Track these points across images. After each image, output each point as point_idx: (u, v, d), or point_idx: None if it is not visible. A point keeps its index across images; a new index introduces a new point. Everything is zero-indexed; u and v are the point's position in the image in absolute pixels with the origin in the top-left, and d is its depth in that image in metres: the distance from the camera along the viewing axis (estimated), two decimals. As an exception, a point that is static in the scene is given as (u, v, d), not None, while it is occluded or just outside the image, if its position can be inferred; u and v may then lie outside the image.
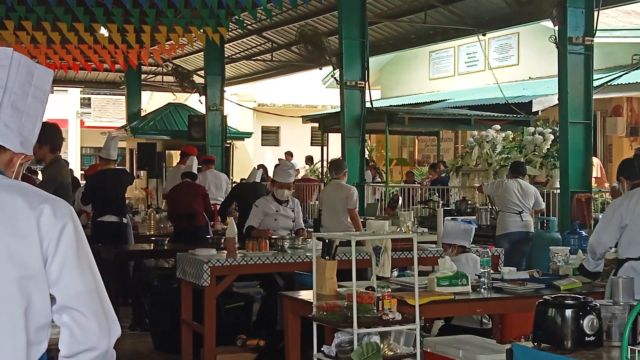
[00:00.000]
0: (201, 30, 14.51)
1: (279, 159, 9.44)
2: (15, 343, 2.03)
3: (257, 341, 7.20)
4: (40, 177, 9.51)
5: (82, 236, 2.13)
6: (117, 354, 6.63)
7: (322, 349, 4.90)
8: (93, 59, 16.76)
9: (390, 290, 4.89)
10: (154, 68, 23.24)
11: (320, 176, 19.48)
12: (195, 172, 10.96)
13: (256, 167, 11.23)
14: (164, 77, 23.33)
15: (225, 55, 19.50)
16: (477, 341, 5.67)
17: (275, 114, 25.04)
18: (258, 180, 10.79)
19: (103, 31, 14.95)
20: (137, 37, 14.53)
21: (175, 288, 7.79)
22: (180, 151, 12.22)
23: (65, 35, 14.27)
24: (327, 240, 5.45)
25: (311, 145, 26.48)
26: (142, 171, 20.92)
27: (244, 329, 7.62)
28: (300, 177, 21.10)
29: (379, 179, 17.80)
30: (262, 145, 28.46)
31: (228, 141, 20.39)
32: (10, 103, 2.16)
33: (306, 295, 5.51)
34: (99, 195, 9.52)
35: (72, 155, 34.14)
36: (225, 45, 18.95)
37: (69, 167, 12.89)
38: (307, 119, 19.73)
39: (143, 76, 23.22)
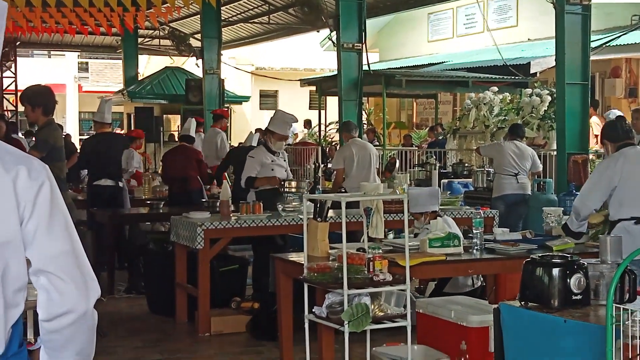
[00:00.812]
0: (198, -8, 14.39)
1: (277, 110, 9.32)
2: None
3: (252, 303, 7.22)
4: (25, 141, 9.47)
5: (58, 197, 2.08)
6: (113, 317, 6.61)
7: (313, 310, 4.91)
8: (89, 22, 16.63)
9: (381, 251, 4.87)
10: (151, 32, 23.09)
11: (318, 139, 19.42)
12: (193, 135, 10.90)
13: (253, 132, 11.14)
14: (161, 40, 23.18)
15: (222, 18, 19.36)
16: (469, 302, 5.68)
17: (274, 78, 24.91)
18: (254, 144, 10.73)
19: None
20: (132, 0, 14.41)
21: (170, 251, 7.79)
22: (212, 114, 12.05)
23: (60, -1, 14.17)
24: (318, 202, 5.43)
25: (310, 109, 26.38)
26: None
27: (239, 292, 7.64)
28: (298, 141, 21.06)
29: (377, 142, 17.74)
30: (260, 109, 28.35)
31: (226, 105, 20.30)
32: None
33: (298, 257, 5.51)
34: (93, 159, 9.51)
35: (70, 120, 34.04)
36: (222, 8, 18.81)
37: (67, 132, 12.91)
38: (304, 82, 19.64)
39: (140, 40, 23.07)
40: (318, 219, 5.43)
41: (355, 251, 4.93)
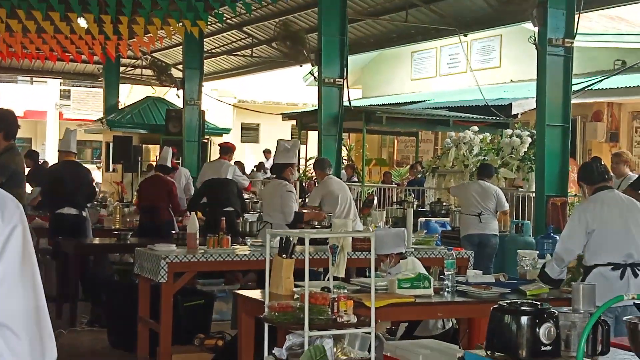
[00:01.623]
0: (180, 24, 14.26)
1: (279, 140, 9.07)
2: None
3: (216, 341, 6.96)
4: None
5: (29, 243, 1.80)
6: (73, 351, 6.31)
7: (272, 351, 4.67)
8: (70, 49, 16.50)
9: (346, 291, 4.66)
10: (133, 61, 22.95)
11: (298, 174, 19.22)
12: (169, 165, 10.69)
13: (229, 163, 10.92)
14: (143, 70, 23.04)
15: (205, 50, 19.26)
16: (439, 346, 5.45)
17: (255, 111, 24.79)
18: (230, 176, 10.52)
19: (81, 21, 14.67)
20: (114, 29, 14.27)
21: (134, 284, 7.53)
22: (220, 147, 11.79)
23: (40, 25, 14.00)
24: (284, 238, 5.22)
25: (301, 143, 26.24)
26: (116, 165, 20.69)
27: (204, 328, 7.37)
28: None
29: (356, 179, 17.58)
30: (241, 142, 28.19)
31: (206, 137, 20.13)
32: None
33: (260, 294, 5.27)
34: (58, 188, 9.30)
35: (49, 147, 33.74)
36: (205, 40, 18.71)
37: (45, 159, 12.69)
38: (285, 116, 19.52)
39: (122, 69, 22.95)
40: (283, 256, 5.22)
41: (319, 290, 4.71)
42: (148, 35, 15.39)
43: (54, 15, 13.45)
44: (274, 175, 8.61)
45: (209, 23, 17.21)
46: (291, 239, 5.18)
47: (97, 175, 20.94)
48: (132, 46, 17.37)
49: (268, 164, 23.15)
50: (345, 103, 14.35)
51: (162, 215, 10.06)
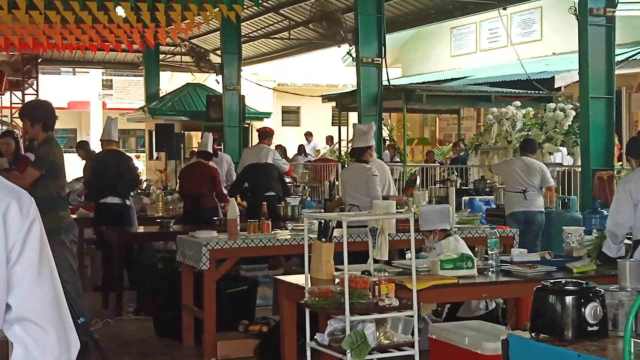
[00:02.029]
0: (216, 8, 14.22)
1: (354, 124, 9.06)
2: None
3: (260, 327, 6.94)
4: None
5: (45, 237, 1.83)
6: (120, 340, 6.34)
7: (315, 337, 4.63)
8: (109, 38, 16.53)
9: (387, 274, 4.59)
10: (172, 48, 23.00)
11: (339, 156, 19.16)
12: (210, 151, 10.66)
13: (269, 148, 10.86)
14: (182, 57, 23.08)
15: (243, 34, 19.20)
16: (485, 327, 5.37)
17: (295, 94, 24.72)
18: (270, 161, 10.48)
19: (119, 10, 14.70)
20: (152, 16, 14.29)
21: (178, 272, 7.54)
22: (258, 132, 11.76)
23: (78, 15, 14.06)
24: (323, 222, 5.16)
25: (332, 125, 26.16)
26: (160, 153, 20.79)
27: (248, 314, 7.36)
28: (318, 157, 20.83)
29: (398, 159, 17.44)
30: (282, 125, 28.16)
31: (247, 122, 20.11)
32: None
33: (301, 279, 5.22)
34: (101, 178, 9.33)
35: (94, 137, 34.07)
36: (242, 24, 18.65)
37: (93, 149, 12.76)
38: (325, 98, 19.42)
39: (161, 56, 22.98)
40: (322, 239, 5.16)
41: (359, 274, 4.65)
42: (185, 21, 15.39)
43: (91, 5, 13.48)
44: (353, 159, 8.60)
45: (245, 7, 17.18)
46: (330, 222, 5.12)
47: (139, 164, 21.08)
48: (170, 33, 17.40)
49: (309, 147, 23.11)
50: (385, 82, 14.21)
51: (206, 202, 10.03)
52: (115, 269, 8.76)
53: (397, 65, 23.15)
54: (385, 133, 20.20)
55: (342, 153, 19.59)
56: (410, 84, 19.22)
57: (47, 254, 1.83)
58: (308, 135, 24.13)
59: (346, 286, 4.29)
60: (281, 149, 19.93)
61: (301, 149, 21.81)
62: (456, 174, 13.74)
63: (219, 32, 19.43)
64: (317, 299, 4.55)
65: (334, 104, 20.38)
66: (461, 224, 7.80)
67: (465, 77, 19.19)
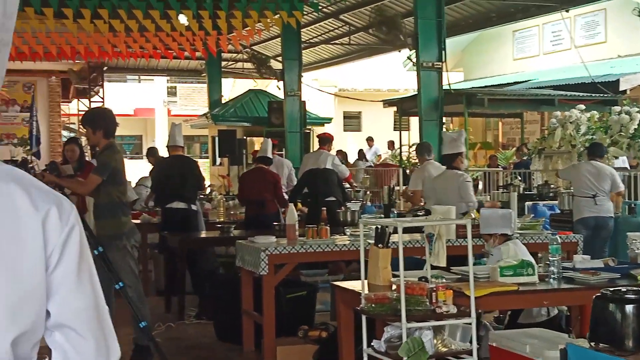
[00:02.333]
0: (276, 15, 14.32)
1: (444, 132, 9.14)
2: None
3: (319, 332, 6.94)
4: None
5: (85, 243, 1.79)
6: (181, 344, 6.40)
7: (372, 343, 4.60)
8: (172, 46, 16.76)
9: (444, 280, 4.54)
10: (234, 55, 23.22)
11: (400, 161, 19.09)
12: (270, 156, 10.72)
13: (328, 153, 10.87)
14: (244, 64, 23.27)
15: (303, 40, 19.29)
16: (547, 335, 5.28)
17: (357, 99, 24.71)
18: (329, 166, 10.49)
19: (181, 18, 14.89)
20: (213, 24, 14.44)
21: (239, 277, 7.59)
22: (318, 138, 11.82)
23: (142, 23, 14.29)
24: (379, 227, 5.13)
25: (394, 129, 26.06)
26: (223, 158, 21.01)
27: (308, 319, 7.36)
28: (380, 162, 20.79)
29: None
30: (343, 130, 28.17)
31: (308, 127, 20.18)
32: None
33: (358, 285, 5.20)
34: (166, 183, 9.44)
35: (159, 143, 34.57)
36: (302, 30, 18.74)
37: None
38: (386, 103, 19.38)
39: (223, 63, 23.21)
40: (379, 245, 5.13)
41: (416, 280, 4.61)
42: (247, 28, 15.52)
43: (154, 13, 13.69)
44: (445, 166, 8.63)
45: (305, 13, 17.25)
46: (387, 228, 5.09)
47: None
48: (232, 40, 17.59)
49: (370, 153, 23.07)
50: (445, 87, 14.12)
51: (268, 207, 10.07)
52: (177, 274, 8.86)
53: (458, 70, 22.97)
54: (447, 138, 20.04)
55: (404, 158, 19.52)
56: (472, 88, 19.06)
57: (87, 261, 1.80)
58: (369, 140, 24.08)
59: (402, 292, 4.26)
60: (342, 155, 19.96)
61: (361, 154, 21.78)
62: (519, 178, 13.55)
63: (279, 38, 19.56)
64: (373, 305, 4.53)
65: (395, 108, 20.34)
66: (523, 230, 7.68)
67: (528, 80, 18.94)
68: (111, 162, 6.64)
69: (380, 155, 22.99)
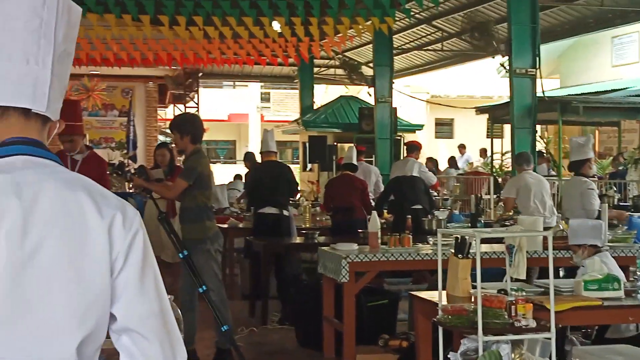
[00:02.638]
0: (368, 22, 14.31)
1: (571, 138, 9.15)
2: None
3: (400, 342, 6.87)
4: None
5: (149, 248, 1.84)
6: (262, 349, 6.46)
7: (448, 355, 4.52)
8: (266, 52, 16.93)
9: (524, 293, 4.42)
10: (326, 61, 23.30)
11: (492, 169, 18.78)
12: (355, 163, 10.72)
13: (414, 160, 10.77)
14: (336, 70, 23.32)
15: (395, 46, 19.21)
16: (634, 352, 5.11)
17: (449, 106, 24.45)
18: (415, 173, 10.40)
19: (275, 25, 15.04)
20: (305, 30, 14.54)
21: (321, 283, 7.58)
22: (406, 145, 11.83)
23: (235, 30, 14.49)
24: (459, 237, 5.05)
25: (487, 137, 25.69)
26: (313, 165, 21.09)
27: (389, 328, 7.30)
28: (470, 170, 20.51)
29: (553, 172, 16.90)
30: (435, 137, 27.92)
31: (399, 134, 20.08)
32: (56, 60, 1.78)
33: (436, 295, 5.12)
34: (259, 188, 9.52)
35: (252, 149, 34.97)
36: (394, 36, 18.67)
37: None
38: (479, 110, 19.12)
39: (316, 69, 23.31)
40: (459, 256, 5.05)
41: (495, 293, 4.51)
42: (339, 35, 15.55)
43: (247, 20, 13.87)
44: (572, 172, 8.59)
45: (397, 19, 17.17)
46: (467, 238, 5.00)
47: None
48: (324, 47, 17.66)
49: (462, 160, 22.79)
50: (539, 94, 13.84)
51: (356, 214, 10.06)
52: (261, 279, 8.92)
53: (554, 76, 22.49)
54: (541, 145, 19.64)
55: (496, 166, 19.20)
56: (567, 95, 18.60)
57: (152, 265, 1.84)
58: (461, 148, 23.80)
59: (479, 305, 4.18)
60: (432, 162, 19.78)
61: (452, 161, 21.53)
62: (614, 189, 13.16)
63: (371, 45, 19.54)
64: (450, 317, 4.45)
65: (487, 115, 20.04)
66: (614, 242, 7.45)
67: (626, 87, 18.37)
68: (197, 167, 6.74)
69: (472, 163, 22.68)
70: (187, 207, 6.81)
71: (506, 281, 4.71)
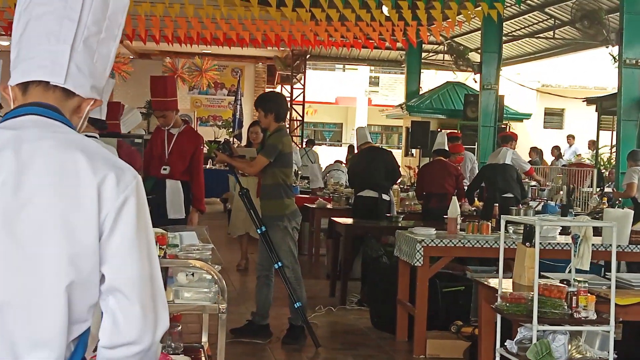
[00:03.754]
0: (477, 7, 14.10)
1: None
2: (58, 321, 1.83)
3: (473, 329, 6.79)
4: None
5: (145, 214, 1.89)
6: (336, 328, 6.55)
7: (505, 343, 4.46)
8: (373, 36, 16.90)
9: (587, 285, 4.30)
10: (434, 46, 23.08)
11: (596, 161, 18.22)
12: (447, 148, 10.65)
13: (507, 148, 10.57)
14: (445, 55, 23.06)
15: (505, 33, 18.83)
16: None
17: (560, 95, 23.82)
18: (508, 161, 10.21)
19: (384, 9, 15.01)
20: (413, 14, 14.44)
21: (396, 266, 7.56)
22: (500, 136, 11.74)
23: (342, 12, 14.52)
24: (528, 225, 4.94)
25: (600, 129, 24.91)
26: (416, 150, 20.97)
27: (463, 315, 7.22)
28: (575, 161, 19.97)
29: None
30: (544, 127, 27.24)
31: (505, 122, 19.71)
32: (83, 40, 1.89)
33: (504, 283, 5.03)
34: (358, 172, 9.63)
35: (359, 133, 35.00)
36: (505, 23, 18.30)
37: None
38: (587, 100, 18.57)
39: (424, 55, 23.12)
40: (527, 244, 4.95)
41: (558, 283, 4.41)
42: (447, 20, 15.38)
43: (353, 2, 13.87)
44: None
45: (507, 5, 16.84)
46: (534, 226, 4.88)
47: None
48: (432, 31, 17.49)
49: (569, 151, 22.19)
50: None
51: (449, 200, 9.99)
52: (342, 260, 8.97)
53: (672, 69, 21.52)
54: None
55: (604, 158, 18.63)
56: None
57: (146, 232, 1.88)
58: (570, 138, 23.18)
59: (535, 293, 4.10)
60: (536, 152, 19.35)
61: (555, 151, 20.96)
62: None
63: (479, 31, 19.23)
64: (508, 304, 4.38)
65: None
66: None
67: None
68: (278, 145, 6.83)
69: (579, 154, 22.07)
70: (266, 184, 6.91)
71: (569, 271, 4.58)
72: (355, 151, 10.48)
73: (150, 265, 1.89)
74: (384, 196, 9.54)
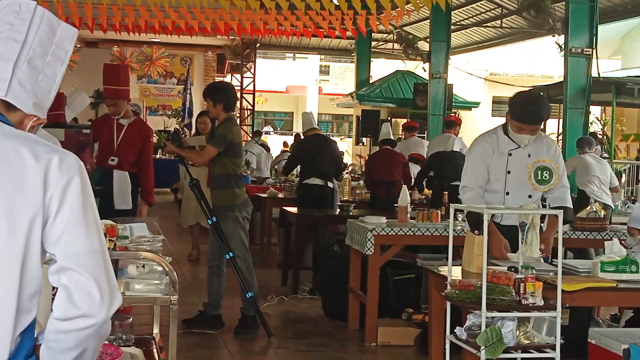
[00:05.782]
0: (426, -4, 14.16)
1: None
2: (5, 310, 1.88)
3: (423, 316, 6.86)
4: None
5: (89, 195, 1.98)
6: (288, 317, 6.55)
7: (454, 330, 4.51)
8: (323, 25, 16.88)
9: (534, 271, 4.37)
10: (384, 35, 23.15)
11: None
12: (392, 138, 10.76)
13: (455, 136, 10.69)
14: (394, 44, 23.16)
15: (453, 22, 18.98)
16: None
17: (507, 84, 24.07)
18: (456, 149, 10.33)
19: (331, -3, 14.99)
20: (362, 3, 14.45)
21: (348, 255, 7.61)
22: (444, 122, 11.82)
23: (292, 1, 14.49)
24: (475, 213, 5.00)
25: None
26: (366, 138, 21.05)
27: (414, 303, 7.29)
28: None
29: (606, 155, 16.57)
30: (492, 116, 27.56)
31: (454, 110, 19.89)
32: (27, 60, 2.01)
33: (453, 271, 5.08)
34: (304, 160, 9.59)
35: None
36: (453, 12, 18.44)
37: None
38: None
39: (373, 43, 23.19)
40: (475, 232, 5.01)
41: (505, 270, 4.47)
42: (396, 9, 15.43)
43: (302, -10, 13.84)
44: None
45: (455, -6, 16.94)
46: (482, 214, 4.94)
47: (342, 147, 21.40)
48: (381, 20, 17.54)
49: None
50: (594, 74, 13.57)
51: (397, 188, 10.06)
52: (293, 249, 8.99)
53: (616, 57, 21.98)
54: (598, 127, 19.28)
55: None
56: (627, 77, 18.17)
57: (93, 210, 1.97)
58: (517, 127, 23.46)
59: (484, 280, 4.15)
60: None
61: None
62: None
63: (428, 20, 19.34)
64: (457, 291, 4.43)
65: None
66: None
67: (689, 70, 17.87)
68: (228, 135, 6.81)
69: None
70: (216, 174, 6.89)
71: (517, 259, 4.65)
72: (302, 137, 10.41)
73: (99, 242, 1.97)
74: (329, 184, 9.58)
